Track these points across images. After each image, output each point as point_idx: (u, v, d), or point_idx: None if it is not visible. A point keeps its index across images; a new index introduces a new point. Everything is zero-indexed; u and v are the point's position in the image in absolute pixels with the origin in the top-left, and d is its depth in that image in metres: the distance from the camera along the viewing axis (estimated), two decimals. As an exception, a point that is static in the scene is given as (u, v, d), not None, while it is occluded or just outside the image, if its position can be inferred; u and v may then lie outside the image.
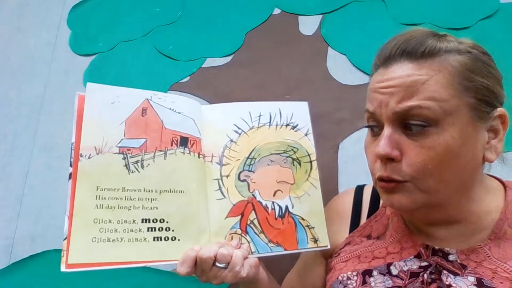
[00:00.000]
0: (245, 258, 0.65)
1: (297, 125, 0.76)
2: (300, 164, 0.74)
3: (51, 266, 1.13)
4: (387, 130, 0.54)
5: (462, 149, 0.52)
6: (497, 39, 1.20)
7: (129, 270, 0.60)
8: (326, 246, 0.71)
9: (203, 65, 1.26)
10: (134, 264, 0.60)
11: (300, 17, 1.25)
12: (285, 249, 0.69)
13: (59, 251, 1.22)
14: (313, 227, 0.71)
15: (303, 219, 0.71)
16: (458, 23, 1.21)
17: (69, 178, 0.61)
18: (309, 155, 0.76)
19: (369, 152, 0.59)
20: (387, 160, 0.54)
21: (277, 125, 0.76)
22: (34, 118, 1.31)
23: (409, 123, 0.53)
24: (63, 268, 0.57)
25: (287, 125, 0.76)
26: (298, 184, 0.73)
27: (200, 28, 1.31)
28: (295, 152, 0.75)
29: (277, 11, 1.27)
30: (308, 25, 1.23)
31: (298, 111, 0.77)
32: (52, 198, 1.20)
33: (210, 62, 1.25)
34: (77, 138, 0.62)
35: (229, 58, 1.24)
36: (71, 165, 0.61)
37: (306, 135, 0.77)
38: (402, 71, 0.53)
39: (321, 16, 1.24)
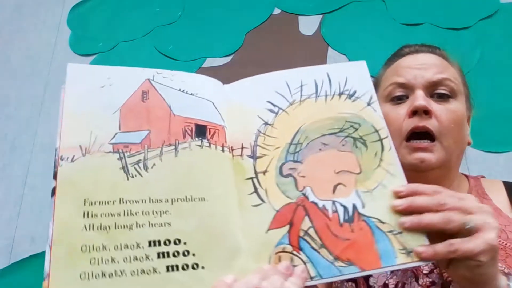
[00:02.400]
0: None
1: (354, 92, 0.56)
2: (365, 145, 0.54)
3: (51, 266, 1.12)
4: (420, 92, 0.64)
5: (465, 123, 0.67)
6: (497, 39, 1.20)
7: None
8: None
9: (203, 65, 1.26)
10: None
11: (300, 17, 1.25)
12: (363, 269, 0.47)
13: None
14: (400, 232, 0.49)
15: (382, 222, 0.49)
16: (458, 23, 1.21)
17: (52, 194, 0.45)
18: (377, 131, 0.55)
19: (394, 114, 0.66)
20: (424, 112, 0.63)
21: (326, 95, 0.56)
22: (34, 118, 1.31)
23: (437, 92, 0.65)
24: None
25: (341, 93, 0.56)
26: (367, 172, 0.53)
27: (200, 28, 1.31)
28: (356, 130, 0.55)
29: (277, 11, 1.27)
30: (308, 25, 1.23)
31: (354, 74, 0.58)
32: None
33: (210, 62, 1.25)
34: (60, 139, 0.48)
35: (229, 58, 1.24)
36: (54, 177, 0.45)
37: (369, 104, 0.56)
38: (430, 58, 0.69)
39: (321, 16, 1.24)
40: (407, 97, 0.67)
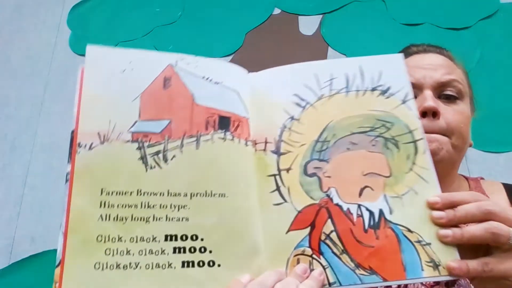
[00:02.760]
0: None
1: (388, 88, 0.53)
2: (397, 146, 0.51)
3: (51, 266, 1.12)
4: (429, 93, 0.64)
5: (469, 124, 0.68)
6: (497, 39, 1.20)
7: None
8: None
9: (203, 65, 1.26)
10: None
11: (300, 17, 1.25)
12: (385, 279, 0.45)
13: (59, 251, 1.23)
14: (429, 243, 0.46)
15: (410, 231, 0.46)
16: (458, 23, 1.21)
17: (66, 180, 0.45)
18: (411, 131, 0.51)
19: None
20: (432, 113, 0.63)
21: (358, 90, 0.53)
22: (34, 118, 1.31)
23: (445, 93, 0.66)
24: None
25: (373, 89, 0.53)
26: (397, 176, 0.49)
27: (200, 28, 1.31)
28: (388, 129, 0.51)
29: (277, 11, 1.27)
30: (308, 25, 1.23)
31: (389, 68, 0.54)
32: (52, 198, 1.20)
33: (210, 62, 1.25)
34: (77, 123, 0.46)
35: (229, 58, 1.24)
36: (69, 161, 0.45)
37: (404, 102, 0.52)
38: (438, 58, 0.69)
39: (321, 16, 1.24)
40: (415, 97, 0.66)
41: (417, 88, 0.67)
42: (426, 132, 0.62)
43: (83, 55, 0.49)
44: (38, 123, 1.30)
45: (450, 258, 0.44)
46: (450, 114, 0.64)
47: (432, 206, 0.46)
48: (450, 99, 0.66)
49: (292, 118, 0.52)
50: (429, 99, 0.63)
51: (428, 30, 1.22)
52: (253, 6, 1.29)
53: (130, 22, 1.36)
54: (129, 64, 0.50)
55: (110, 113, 0.47)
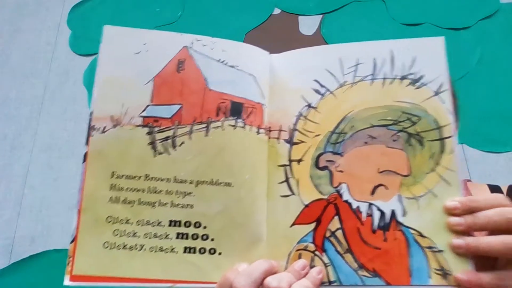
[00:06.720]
0: None
1: (421, 77, 0.47)
2: (422, 143, 0.46)
3: (51, 266, 1.13)
4: None
5: None
6: (497, 39, 1.20)
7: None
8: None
9: (203, 65, 1.26)
10: (156, 284, 0.44)
11: (300, 17, 1.25)
12: (388, 283, 0.43)
13: (59, 251, 1.23)
14: (441, 251, 0.43)
15: (422, 235, 0.44)
16: (458, 23, 1.21)
17: (83, 160, 0.46)
18: (439, 127, 0.46)
19: None
20: None
21: (385, 78, 0.48)
22: (34, 118, 1.31)
23: None
24: (66, 282, 0.43)
25: (403, 77, 0.48)
26: (416, 176, 0.46)
27: (200, 28, 1.31)
28: (414, 124, 0.47)
29: (277, 11, 1.27)
30: (308, 25, 1.24)
31: (426, 53, 0.49)
32: (52, 198, 1.20)
33: (210, 62, 1.25)
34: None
35: (229, 58, 1.25)
36: (87, 143, 0.46)
37: (437, 93, 0.47)
38: None
39: (321, 16, 1.24)
40: None
41: None
42: None
43: (83, 55, 0.50)
44: (38, 123, 1.30)
45: (462, 268, 0.41)
46: None
47: (451, 212, 0.42)
48: None
49: (309, 106, 0.48)
50: None
51: (428, 30, 1.22)
52: (253, 6, 1.29)
53: (130, 22, 1.36)
54: (143, 46, 0.49)
55: (123, 96, 0.47)
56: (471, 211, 0.41)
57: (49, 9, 1.45)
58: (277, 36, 1.23)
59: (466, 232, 0.41)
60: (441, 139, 0.46)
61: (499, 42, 1.19)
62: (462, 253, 0.41)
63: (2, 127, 1.31)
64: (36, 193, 1.22)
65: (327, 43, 1.20)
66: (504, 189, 0.70)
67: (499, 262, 0.40)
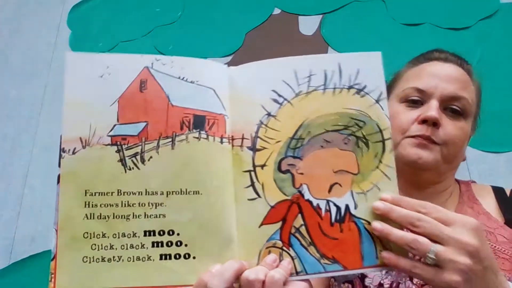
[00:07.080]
0: (286, 282, 0.47)
1: (364, 87, 0.53)
2: (367, 145, 0.53)
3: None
4: (436, 103, 0.66)
5: (466, 141, 0.71)
6: (497, 39, 1.20)
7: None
8: None
9: (203, 65, 1.26)
10: None
11: (300, 17, 1.25)
12: (345, 268, 0.49)
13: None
14: None
15: (369, 223, 0.50)
16: (458, 23, 1.21)
17: (58, 181, 0.49)
18: (381, 131, 0.53)
19: (404, 116, 0.69)
20: (433, 123, 0.65)
21: (335, 88, 0.53)
22: (34, 118, 1.31)
23: (451, 106, 0.68)
24: None
25: (350, 87, 0.53)
26: (364, 174, 0.52)
27: (200, 28, 1.31)
28: (360, 128, 0.53)
29: (277, 11, 1.27)
30: (308, 25, 1.24)
31: (367, 66, 0.54)
32: (52, 198, 1.19)
33: (210, 62, 1.25)
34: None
35: (229, 58, 1.24)
36: (59, 165, 0.49)
37: (377, 101, 0.53)
38: (457, 71, 0.70)
39: (321, 16, 1.24)
40: (422, 103, 0.68)
41: (426, 96, 0.68)
42: (422, 137, 0.66)
43: (83, 55, 0.50)
44: (38, 123, 1.30)
45: (397, 249, 0.48)
46: (450, 127, 0.66)
47: (378, 207, 0.49)
48: (454, 114, 0.67)
49: (269, 114, 0.53)
50: (433, 109, 0.65)
51: (428, 30, 1.22)
52: (253, 6, 1.29)
53: (130, 22, 1.36)
54: (106, 69, 0.51)
55: (90, 118, 0.50)
56: (397, 205, 0.48)
57: (49, 9, 1.45)
58: (277, 36, 1.23)
59: (384, 217, 0.48)
60: (383, 141, 0.53)
61: (499, 42, 1.19)
62: (378, 235, 0.48)
63: (2, 127, 1.31)
64: (36, 193, 1.22)
65: (327, 43, 1.20)
66: (508, 191, 0.70)
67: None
